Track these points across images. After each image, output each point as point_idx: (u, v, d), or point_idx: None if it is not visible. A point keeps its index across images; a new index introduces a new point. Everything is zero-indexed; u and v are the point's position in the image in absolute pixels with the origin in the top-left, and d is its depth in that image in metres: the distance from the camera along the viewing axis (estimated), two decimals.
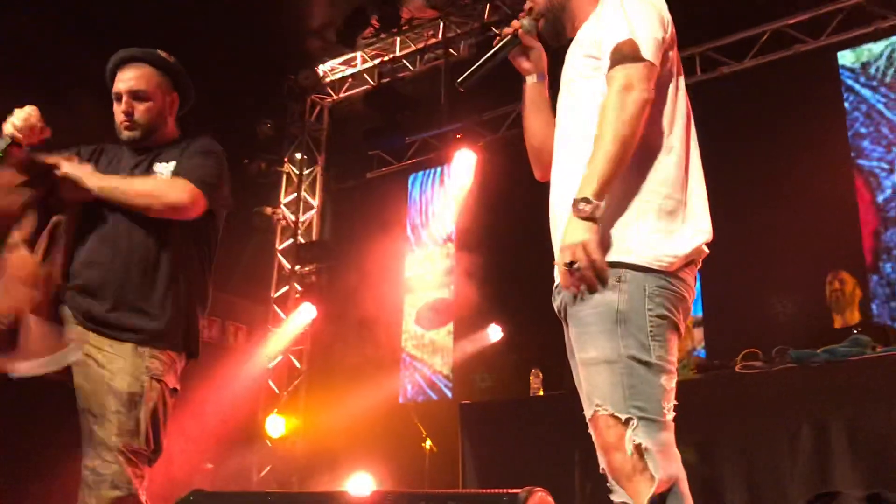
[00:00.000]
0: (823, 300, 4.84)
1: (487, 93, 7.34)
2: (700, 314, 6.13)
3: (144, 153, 2.62)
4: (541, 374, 4.77)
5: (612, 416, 1.78)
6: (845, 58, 6.14)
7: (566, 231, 1.80)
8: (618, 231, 1.84)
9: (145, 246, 2.47)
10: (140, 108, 2.58)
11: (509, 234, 6.99)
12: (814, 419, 3.41)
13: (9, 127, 2.37)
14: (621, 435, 1.76)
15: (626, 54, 1.85)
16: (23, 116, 2.37)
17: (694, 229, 1.89)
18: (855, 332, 4.07)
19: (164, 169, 2.55)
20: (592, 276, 1.78)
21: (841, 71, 6.12)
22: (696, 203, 1.93)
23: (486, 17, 7.44)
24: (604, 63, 1.90)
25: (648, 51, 1.85)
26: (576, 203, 1.78)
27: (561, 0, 2.14)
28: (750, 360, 3.83)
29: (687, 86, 6.29)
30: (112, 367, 2.35)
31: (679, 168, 1.91)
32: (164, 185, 2.50)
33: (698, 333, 6.08)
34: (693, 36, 6.58)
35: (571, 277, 1.80)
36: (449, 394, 7.34)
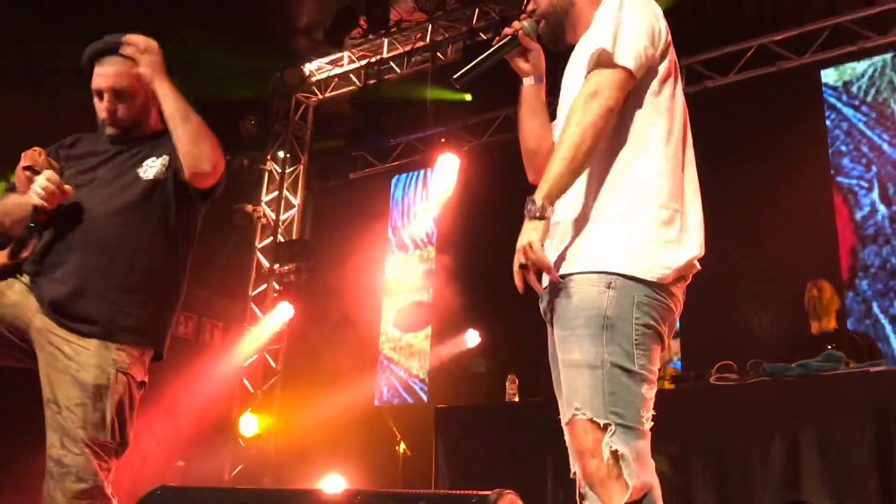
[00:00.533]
0: (800, 314, 4.88)
1: (473, 98, 7.36)
2: (677, 325, 6.15)
3: (127, 144, 2.59)
4: (517, 381, 4.77)
5: (591, 420, 1.77)
6: (828, 76, 6.20)
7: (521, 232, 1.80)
8: (611, 240, 1.84)
9: (117, 235, 2.44)
10: (123, 107, 2.55)
11: (490, 240, 6.98)
12: (785, 432, 3.43)
13: (34, 198, 2.37)
14: (598, 440, 1.75)
15: (602, 60, 1.86)
16: (43, 185, 2.36)
17: (687, 244, 1.89)
18: (829, 347, 4.11)
19: (156, 164, 2.52)
20: (533, 277, 1.78)
21: (824, 89, 6.18)
22: (692, 217, 1.94)
23: (474, 21, 7.44)
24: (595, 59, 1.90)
25: (625, 57, 1.85)
26: (525, 203, 1.79)
27: (564, 4, 2.13)
28: (724, 372, 3.84)
29: None
30: (79, 358, 2.32)
31: (676, 179, 1.91)
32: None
33: (675, 345, 6.10)
34: (679, 49, 6.60)
35: (518, 277, 1.80)
36: (424, 397, 7.32)
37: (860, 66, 6.07)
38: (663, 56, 1.95)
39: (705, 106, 6.51)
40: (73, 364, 2.32)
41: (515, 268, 1.80)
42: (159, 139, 2.59)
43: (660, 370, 4.44)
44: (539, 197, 1.80)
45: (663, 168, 1.90)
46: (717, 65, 6.51)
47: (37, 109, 5.37)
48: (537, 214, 1.79)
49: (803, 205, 5.86)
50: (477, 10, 7.42)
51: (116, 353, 2.36)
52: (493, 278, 7.04)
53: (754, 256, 5.89)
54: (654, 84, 1.93)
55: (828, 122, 6.09)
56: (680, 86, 2.03)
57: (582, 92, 1.85)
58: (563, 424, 1.86)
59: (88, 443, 2.28)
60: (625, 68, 1.84)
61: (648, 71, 1.91)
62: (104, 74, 2.52)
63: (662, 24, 1.97)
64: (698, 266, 1.94)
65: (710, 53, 6.54)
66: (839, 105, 6.10)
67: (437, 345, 7.32)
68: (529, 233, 1.78)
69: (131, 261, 2.44)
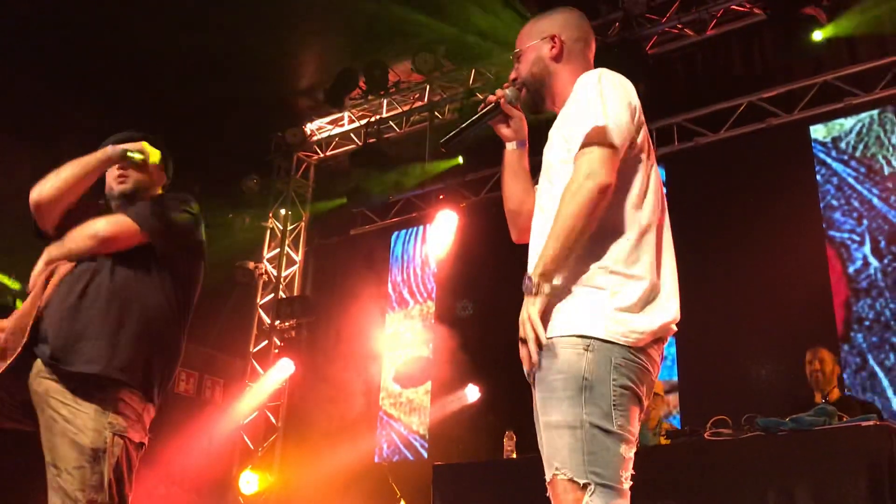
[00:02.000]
0: (797, 367, 4.97)
1: (470, 155, 7.51)
2: (675, 379, 6.18)
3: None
4: (514, 437, 4.79)
5: (571, 480, 1.81)
6: (817, 132, 6.33)
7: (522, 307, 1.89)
8: (589, 308, 1.91)
9: (118, 287, 2.53)
10: (135, 173, 2.74)
11: (488, 295, 7.06)
12: (779, 486, 3.45)
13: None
14: (579, 499, 1.80)
15: (591, 139, 1.93)
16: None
17: (663, 309, 1.96)
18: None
19: None
20: (533, 350, 1.86)
21: (813, 144, 6.30)
22: (667, 284, 2.00)
23: (470, 82, 7.63)
24: (574, 143, 1.99)
25: (614, 136, 1.93)
26: (524, 280, 1.88)
27: (542, 75, 2.24)
28: (719, 427, 3.87)
29: (664, 155, 6.51)
30: (76, 422, 2.38)
31: (650, 249, 1.99)
32: (94, 222, 2.60)
33: (673, 399, 6.12)
34: (670, 106, 6.78)
35: (522, 351, 1.88)
36: (425, 454, 7.30)
37: (848, 122, 6.21)
38: (638, 130, 2.05)
39: (696, 162, 6.67)
40: (71, 427, 2.37)
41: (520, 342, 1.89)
42: (153, 201, 2.73)
43: (654, 427, 4.49)
44: (535, 275, 1.88)
45: (638, 239, 1.98)
46: (707, 122, 6.65)
47: (43, 165, 5.51)
48: (534, 291, 1.87)
49: (797, 258, 5.93)
50: (473, 71, 7.61)
51: (113, 417, 2.41)
52: (492, 333, 7.12)
53: (750, 311, 5.93)
54: (630, 158, 2.02)
55: (818, 177, 6.19)
56: (653, 158, 2.12)
57: (575, 173, 1.92)
58: (546, 482, 1.90)
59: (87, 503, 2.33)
60: (612, 145, 1.93)
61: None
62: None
63: (637, 101, 2.07)
64: (675, 328, 2.00)
65: (700, 111, 6.68)
66: (828, 160, 6.21)
67: (437, 400, 7.33)
68: (528, 307, 1.87)
69: (129, 307, 2.52)
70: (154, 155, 2.74)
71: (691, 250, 6.32)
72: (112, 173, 2.75)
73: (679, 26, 6.74)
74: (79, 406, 2.40)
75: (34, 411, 2.45)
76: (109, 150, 2.67)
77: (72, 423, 2.38)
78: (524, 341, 1.89)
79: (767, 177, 6.21)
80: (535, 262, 2.02)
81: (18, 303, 5.87)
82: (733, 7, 6.51)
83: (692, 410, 5.85)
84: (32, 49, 6.13)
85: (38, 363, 2.46)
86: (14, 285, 6.18)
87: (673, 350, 6.24)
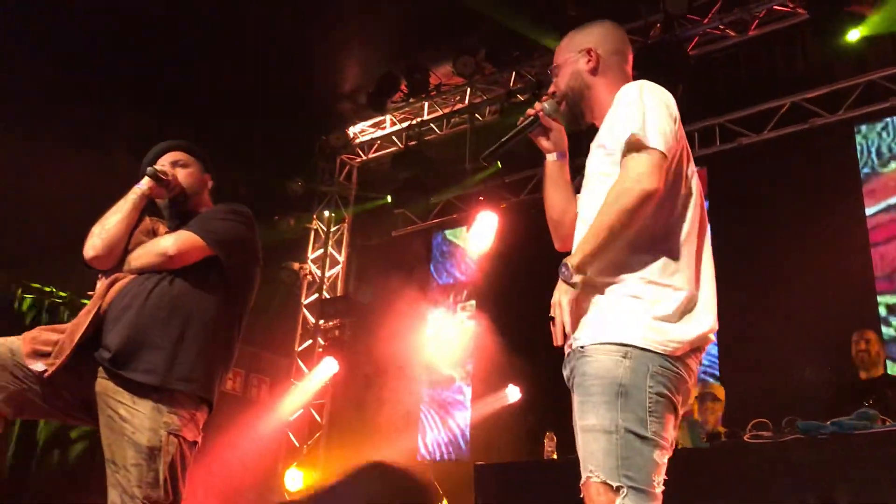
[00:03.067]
0: (842, 364, 5.02)
1: (510, 157, 7.55)
2: (718, 382, 6.15)
3: (181, 219, 2.83)
4: (555, 438, 4.84)
5: (604, 483, 1.87)
6: (862, 132, 6.25)
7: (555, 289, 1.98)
8: (628, 315, 1.96)
9: (175, 294, 2.65)
10: (182, 173, 2.88)
11: (529, 296, 7.05)
12: (820, 491, 3.44)
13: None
14: (611, 502, 1.86)
15: (639, 145, 1.98)
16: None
17: (701, 319, 2.01)
18: (867, 403, 4.12)
19: None
20: (559, 331, 1.95)
21: (857, 145, 6.23)
22: (706, 294, 2.05)
23: (510, 84, 7.68)
24: (617, 153, 2.04)
25: (661, 142, 1.98)
26: (560, 266, 1.95)
27: (579, 88, 2.29)
28: (759, 429, 3.87)
29: (706, 156, 6.49)
30: (134, 421, 2.50)
31: (690, 260, 2.04)
32: (161, 240, 2.72)
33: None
34: (712, 107, 6.75)
35: (553, 328, 1.97)
36: (466, 453, 7.37)
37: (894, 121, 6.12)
38: (679, 141, 2.10)
39: (739, 163, 6.63)
40: (129, 426, 2.50)
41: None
42: (213, 214, 2.86)
43: (713, 428, 4.52)
44: (571, 264, 1.95)
45: (678, 250, 2.03)
46: (750, 122, 6.61)
47: (97, 172, 5.70)
48: (569, 280, 1.95)
49: (840, 260, 5.87)
50: (514, 73, 7.65)
51: (169, 416, 2.53)
52: (532, 334, 7.11)
53: (793, 312, 5.89)
54: (672, 169, 2.05)
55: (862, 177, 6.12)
56: (693, 169, 2.16)
57: (622, 176, 1.98)
58: (580, 485, 1.97)
59: (144, 501, 2.44)
60: (659, 151, 1.98)
61: None
62: (167, 158, 2.91)
63: (677, 113, 2.12)
64: (712, 338, 2.05)
65: (743, 111, 6.64)
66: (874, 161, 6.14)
67: (477, 400, 7.40)
68: (561, 293, 1.96)
69: (189, 316, 2.64)
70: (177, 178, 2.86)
71: (733, 251, 6.31)
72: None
73: (721, 27, 6.71)
74: (136, 406, 2.52)
75: (95, 410, 2.58)
76: (139, 187, 2.79)
77: (129, 422, 2.50)
78: (553, 321, 1.97)
79: (811, 177, 6.16)
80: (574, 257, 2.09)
81: (63, 312, 6.08)
82: (776, 7, 6.46)
83: (733, 413, 5.82)
84: (83, 52, 6.31)
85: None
86: (60, 294, 6.40)
87: (714, 351, 6.22)
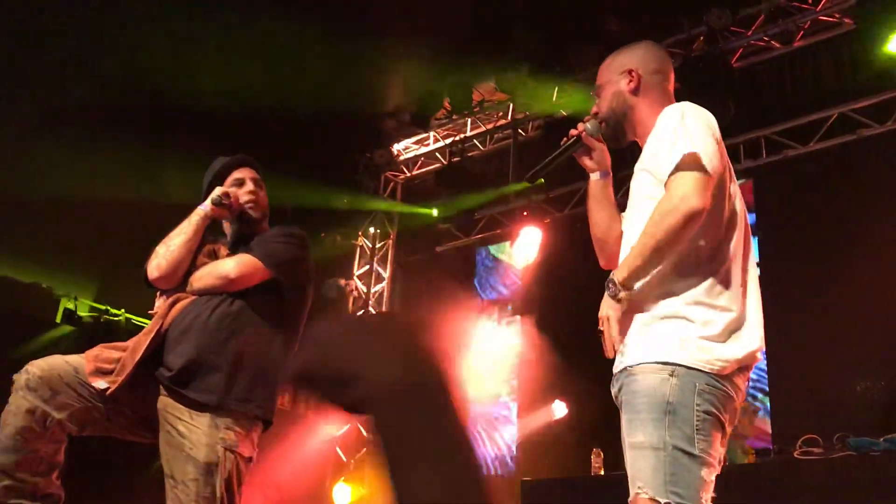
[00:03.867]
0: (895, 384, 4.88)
1: (553, 172, 7.56)
2: (767, 401, 6.08)
3: (245, 242, 2.94)
4: (601, 454, 4.84)
5: (652, 499, 1.90)
6: None
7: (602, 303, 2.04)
8: (675, 335, 2.00)
9: (228, 318, 2.73)
10: (261, 194, 3.01)
11: (574, 311, 7.04)
12: None
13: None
14: None
15: (685, 165, 2.02)
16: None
17: (748, 339, 2.03)
18: None
19: None
20: (609, 344, 2.00)
21: None
22: (752, 313, 2.08)
23: (553, 99, 7.70)
24: (661, 175, 2.07)
25: (706, 162, 2.01)
26: (607, 282, 1.99)
27: (621, 108, 2.33)
28: (810, 446, 3.84)
29: (752, 168, 6.42)
30: (192, 437, 2.58)
31: (736, 281, 2.06)
32: (222, 262, 2.81)
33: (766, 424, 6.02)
34: (758, 119, 6.70)
35: (603, 340, 2.03)
36: (513, 468, 7.37)
37: None
38: (722, 162, 2.12)
39: (785, 175, 6.56)
40: (187, 442, 2.58)
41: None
42: (272, 236, 2.96)
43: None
44: (618, 279, 2.01)
45: (724, 271, 2.05)
46: (796, 134, 6.54)
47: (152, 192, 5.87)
48: (615, 296, 1.99)
49: (891, 270, 5.76)
50: (556, 89, 7.67)
51: (225, 432, 2.61)
52: (579, 350, 7.11)
53: (844, 326, 5.79)
54: (716, 190, 2.08)
55: None
56: (737, 188, 2.18)
57: (668, 195, 2.01)
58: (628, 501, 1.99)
59: None
60: (705, 170, 2.01)
61: None
62: (246, 172, 3.02)
63: (719, 134, 2.14)
64: (759, 357, 2.06)
65: (789, 123, 6.58)
66: None
67: (524, 416, 7.40)
68: (608, 308, 2.02)
69: (246, 337, 2.72)
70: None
71: (781, 264, 6.25)
72: (242, 194, 2.98)
73: (765, 39, 6.66)
74: (194, 422, 2.60)
75: (154, 426, 2.67)
76: (202, 209, 2.89)
77: (187, 438, 2.58)
78: (602, 333, 2.03)
79: (860, 189, 6.07)
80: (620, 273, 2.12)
81: (117, 329, 6.23)
82: (821, 18, 6.40)
83: (783, 428, 5.75)
84: (133, 76, 6.48)
85: None
86: (114, 311, 6.58)
87: (763, 365, 6.15)
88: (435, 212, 8.40)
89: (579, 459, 5.87)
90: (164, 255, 2.83)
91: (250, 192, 2.97)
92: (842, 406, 5.70)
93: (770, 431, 5.94)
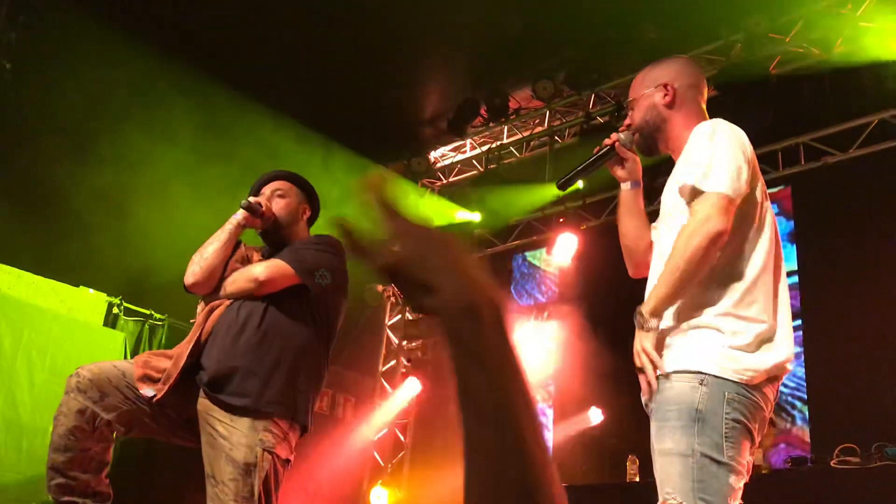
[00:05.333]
0: None
1: (589, 179, 7.58)
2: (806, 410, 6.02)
3: (276, 247, 3.04)
4: (637, 461, 4.85)
5: None
6: None
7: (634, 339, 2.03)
8: (705, 345, 2.04)
9: (262, 325, 2.82)
10: (279, 203, 3.08)
11: (610, 318, 7.06)
12: None
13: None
14: None
15: (705, 188, 2.06)
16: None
17: (777, 349, 2.06)
18: None
19: None
20: (651, 377, 2.00)
21: None
22: (783, 325, 2.11)
23: (590, 106, 7.72)
24: (688, 195, 2.11)
25: (727, 185, 2.05)
26: (635, 314, 2.02)
27: (655, 121, 2.38)
28: (847, 455, 3.82)
29: (790, 175, 6.39)
30: (231, 438, 2.68)
31: (766, 292, 2.09)
32: (253, 267, 2.91)
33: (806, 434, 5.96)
34: (796, 126, 6.65)
35: (641, 380, 2.03)
36: None
37: None
38: (752, 177, 2.15)
39: (825, 182, 6.50)
40: (227, 443, 2.67)
41: (638, 371, 2.07)
42: (305, 244, 3.04)
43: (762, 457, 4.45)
44: (646, 311, 2.03)
45: (753, 283, 2.08)
46: (835, 141, 6.48)
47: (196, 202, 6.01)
48: (644, 326, 2.02)
49: None
50: (592, 96, 7.70)
51: (264, 434, 2.70)
52: (614, 356, 7.12)
53: (883, 330, 5.72)
54: (746, 205, 2.12)
55: None
56: (768, 201, 2.21)
57: (691, 219, 2.05)
58: None
59: None
60: (726, 195, 2.04)
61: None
62: (271, 186, 3.14)
63: (750, 149, 2.17)
64: (789, 368, 2.09)
65: (828, 130, 6.52)
66: None
67: (559, 422, 7.41)
68: (642, 340, 2.04)
69: (282, 343, 2.81)
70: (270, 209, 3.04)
71: (821, 271, 6.20)
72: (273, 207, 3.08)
73: (804, 45, 6.61)
74: (234, 424, 2.70)
75: (196, 428, 2.77)
76: (235, 218, 3.00)
77: (227, 439, 2.68)
78: (641, 371, 2.05)
79: None
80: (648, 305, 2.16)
81: (161, 334, 6.38)
82: (861, 24, 6.33)
83: (820, 437, 5.69)
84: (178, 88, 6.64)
85: None
86: (158, 316, 6.73)
87: (801, 373, 6.10)
88: (478, 216, 8.45)
89: (615, 466, 5.87)
90: (199, 262, 2.93)
91: (277, 201, 3.07)
92: (882, 415, 5.62)
93: (808, 440, 5.89)
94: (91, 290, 6.53)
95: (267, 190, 3.11)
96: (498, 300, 0.76)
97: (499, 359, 0.74)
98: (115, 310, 6.55)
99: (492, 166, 8.31)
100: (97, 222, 6.06)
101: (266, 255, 3.05)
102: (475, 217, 8.51)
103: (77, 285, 6.39)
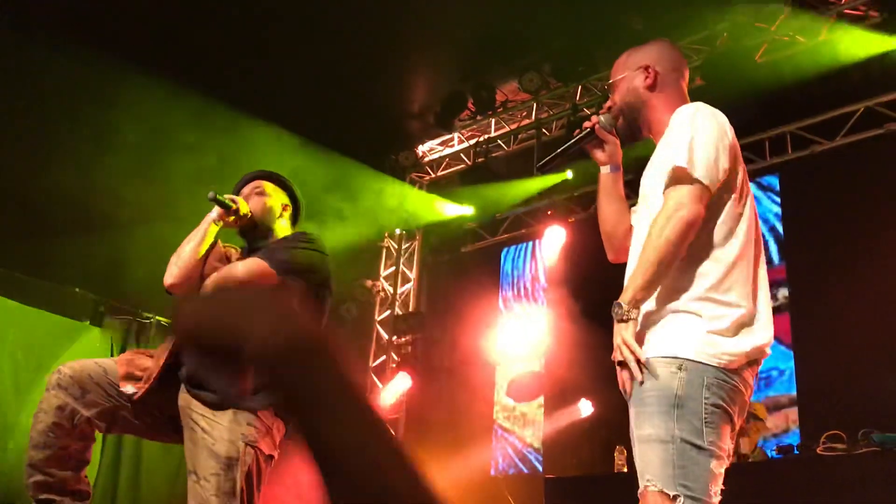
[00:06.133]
0: None
1: (577, 171, 7.57)
2: (793, 394, 6.04)
3: (256, 248, 3.00)
4: (625, 451, 4.84)
5: (661, 492, 1.91)
6: None
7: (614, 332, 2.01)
8: (684, 330, 2.01)
9: None
10: (256, 200, 3.05)
11: (599, 310, 7.05)
12: None
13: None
14: None
15: (680, 175, 2.04)
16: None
17: (756, 334, 2.04)
18: None
19: None
20: (635, 368, 1.98)
21: None
22: (762, 311, 2.09)
23: (577, 98, 7.71)
24: (665, 181, 2.09)
25: (702, 173, 2.03)
26: (612, 307, 2.00)
27: (636, 104, 2.35)
28: (833, 442, 3.82)
29: (778, 165, 6.40)
30: (213, 433, 2.65)
31: (744, 278, 2.07)
32: (233, 266, 2.89)
33: (792, 413, 5.98)
34: (783, 114, 6.65)
35: (620, 374, 2.00)
36: (540, 467, 7.39)
37: None
38: (731, 163, 2.13)
39: (812, 171, 6.51)
40: (209, 438, 2.65)
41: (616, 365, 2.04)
42: (284, 242, 3.02)
43: (753, 450, 4.45)
44: (624, 302, 2.01)
45: (731, 268, 2.06)
46: (822, 129, 6.48)
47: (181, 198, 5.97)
48: (624, 318, 2.00)
49: None
50: (579, 87, 7.68)
51: (246, 428, 2.67)
52: (604, 348, 7.09)
53: (872, 319, 5.72)
54: (724, 191, 2.10)
55: None
56: (748, 188, 2.19)
57: (664, 207, 2.03)
58: (638, 494, 2.01)
59: None
60: (701, 182, 2.02)
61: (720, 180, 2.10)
62: (251, 184, 3.12)
63: (731, 134, 2.15)
64: (768, 352, 2.07)
65: (814, 118, 6.52)
66: None
67: (550, 414, 7.41)
68: (622, 333, 2.01)
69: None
70: (243, 206, 2.98)
71: (809, 259, 6.20)
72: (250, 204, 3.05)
73: (790, 33, 6.60)
74: (216, 418, 2.67)
75: (180, 425, 2.75)
76: (210, 216, 2.95)
77: (209, 434, 2.65)
78: (622, 364, 2.02)
79: (887, 183, 5.99)
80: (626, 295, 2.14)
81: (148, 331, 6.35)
82: (847, 11, 6.33)
83: (810, 425, 5.70)
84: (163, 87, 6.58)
85: None
86: (145, 314, 6.70)
87: (791, 364, 6.10)
88: (470, 209, 8.42)
89: (605, 457, 5.87)
90: (176, 262, 2.90)
91: (255, 199, 3.04)
92: (872, 402, 5.63)
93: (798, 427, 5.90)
94: (77, 290, 6.49)
95: (247, 189, 3.08)
96: (320, 335, 0.69)
97: (335, 395, 0.66)
98: (101, 308, 6.52)
99: (480, 160, 8.28)
100: (83, 221, 6.02)
101: (245, 254, 3.02)
102: (468, 210, 8.47)
103: (63, 284, 6.35)
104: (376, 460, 0.64)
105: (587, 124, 2.42)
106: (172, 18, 6.41)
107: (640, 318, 2.06)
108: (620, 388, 2.09)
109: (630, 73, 2.38)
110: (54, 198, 5.88)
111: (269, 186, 3.10)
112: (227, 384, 2.69)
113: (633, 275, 2.03)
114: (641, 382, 2.03)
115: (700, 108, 2.18)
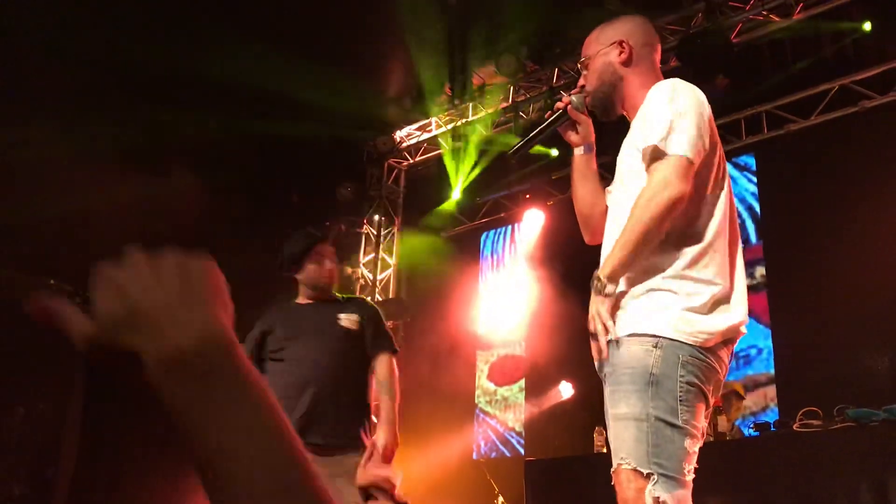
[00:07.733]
0: None
1: (557, 153, 7.55)
2: (772, 372, 6.08)
3: (326, 305, 3.37)
4: (604, 432, 4.84)
5: (635, 470, 1.90)
6: None
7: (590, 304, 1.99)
8: (659, 307, 1.99)
9: (339, 370, 3.35)
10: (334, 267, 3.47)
11: (580, 293, 7.07)
12: (872, 479, 3.40)
13: None
14: (641, 488, 1.88)
15: (664, 151, 2.01)
16: None
17: (732, 312, 2.03)
18: None
19: (350, 316, 3.37)
20: (604, 342, 1.96)
21: None
22: (738, 289, 2.07)
23: (553, 81, 7.68)
24: (646, 157, 2.06)
25: (687, 148, 2.00)
26: (592, 279, 1.98)
27: (612, 80, 2.30)
28: (809, 418, 3.84)
29: (753, 144, 6.43)
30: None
31: (720, 256, 2.05)
32: None
33: (770, 391, 6.02)
34: (759, 94, 6.66)
35: (593, 346, 1.98)
36: (521, 450, 7.41)
37: None
38: (710, 140, 2.10)
39: (788, 150, 6.53)
40: None
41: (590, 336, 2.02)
42: (343, 302, 3.42)
43: (731, 429, 4.46)
44: (603, 275, 1.99)
45: (708, 246, 2.04)
46: (797, 108, 6.50)
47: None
48: (603, 292, 1.98)
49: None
50: (556, 70, 7.65)
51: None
52: (584, 331, 7.10)
53: (847, 297, 5.77)
54: (703, 168, 2.07)
55: None
56: (724, 166, 2.17)
57: (649, 184, 2.00)
58: (611, 472, 2.00)
59: None
60: (686, 157, 1.99)
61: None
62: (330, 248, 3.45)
63: (709, 111, 2.13)
64: (744, 330, 2.06)
65: (790, 97, 6.53)
66: None
67: (531, 397, 7.42)
68: (597, 304, 2.00)
69: (351, 388, 3.25)
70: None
71: (785, 237, 6.23)
72: (322, 272, 3.47)
73: (764, 13, 6.60)
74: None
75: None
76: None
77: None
78: (594, 336, 2.00)
79: (863, 161, 6.03)
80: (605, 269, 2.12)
81: None
82: None
83: (788, 401, 5.74)
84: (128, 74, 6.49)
85: None
86: None
87: (769, 343, 6.14)
88: (457, 193, 8.37)
89: (586, 439, 5.88)
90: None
91: (330, 269, 3.41)
92: (849, 379, 5.68)
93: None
94: (52, 281, 6.40)
95: (326, 251, 3.46)
96: (221, 335, 0.60)
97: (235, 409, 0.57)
98: (77, 300, 6.44)
99: (458, 144, 8.24)
100: (62, 212, 5.93)
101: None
102: (454, 195, 8.44)
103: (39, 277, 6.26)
104: (274, 475, 0.57)
105: (559, 105, 2.38)
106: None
107: (617, 295, 2.04)
108: (595, 359, 2.07)
109: (604, 49, 2.34)
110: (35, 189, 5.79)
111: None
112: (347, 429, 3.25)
113: (614, 248, 2.01)
114: (611, 361, 2.02)
115: (677, 83, 2.15)
